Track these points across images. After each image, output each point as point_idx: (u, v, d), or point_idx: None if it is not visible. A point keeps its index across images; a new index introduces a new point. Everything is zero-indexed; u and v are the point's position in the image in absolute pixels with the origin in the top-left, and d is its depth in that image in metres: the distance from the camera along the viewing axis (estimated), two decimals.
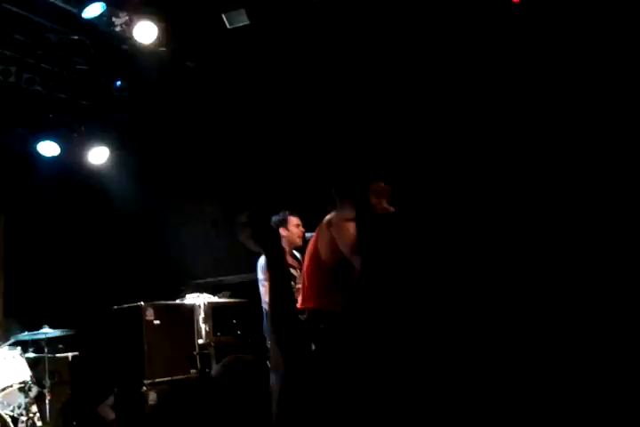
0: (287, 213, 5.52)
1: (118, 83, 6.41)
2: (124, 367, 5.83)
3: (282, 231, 5.45)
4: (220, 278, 6.55)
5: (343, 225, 3.83)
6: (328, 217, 4.16)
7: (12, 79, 6.02)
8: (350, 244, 3.74)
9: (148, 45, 5.83)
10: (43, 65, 6.11)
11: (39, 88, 6.23)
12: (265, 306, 5.26)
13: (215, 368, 5.82)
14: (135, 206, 7.10)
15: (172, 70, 6.28)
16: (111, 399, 6.09)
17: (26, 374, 5.61)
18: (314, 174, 5.91)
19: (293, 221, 5.47)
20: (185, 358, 5.98)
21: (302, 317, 4.29)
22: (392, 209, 3.97)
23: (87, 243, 7.24)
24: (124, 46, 5.97)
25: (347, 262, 3.75)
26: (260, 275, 5.38)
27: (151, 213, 7.16)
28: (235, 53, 6.03)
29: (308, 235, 5.09)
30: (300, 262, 5.21)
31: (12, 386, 5.48)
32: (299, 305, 4.48)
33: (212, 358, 6.02)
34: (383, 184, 4.05)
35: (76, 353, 6.17)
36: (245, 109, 6.45)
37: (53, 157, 6.79)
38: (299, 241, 5.35)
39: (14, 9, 5.45)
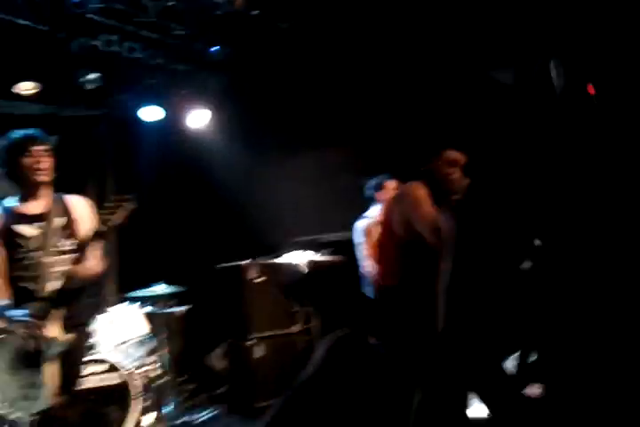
0: (385, 176, 5.56)
1: (214, 47, 6.50)
2: (230, 323, 6.25)
3: (378, 195, 5.51)
4: (319, 236, 6.68)
5: (415, 200, 3.64)
6: (400, 190, 4.06)
7: (114, 48, 6.25)
8: (424, 220, 3.55)
9: (241, 9, 5.90)
10: (142, 33, 6.28)
11: (139, 55, 6.44)
12: (363, 270, 5.39)
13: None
14: (236, 167, 7.26)
15: (265, 33, 6.31)
16: (218, 351, 6.53)
17: (144, 327, 6.00)
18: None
19: (391, 184, 5.50)
20: (287, 314, 6.29)
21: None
22: (466, 181, 3.73)
23: (192, 204, 7.50)
24: (218, 12, 6.05)
25: (420, 237, 3.57)
26: (358, 238, 5.49)
27: (251, 173, 7.31)
28: (327, 12, 5.98)
29: None
30: None
31: (131, 339, 5.87)
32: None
33: (312, 315, 6.33)
34: (457, 152, 3.77)
35: (188, 307, 6.49)
36: (339, 67, 6.43)
37: (156, 122, 7.07)
38: None
39: None
